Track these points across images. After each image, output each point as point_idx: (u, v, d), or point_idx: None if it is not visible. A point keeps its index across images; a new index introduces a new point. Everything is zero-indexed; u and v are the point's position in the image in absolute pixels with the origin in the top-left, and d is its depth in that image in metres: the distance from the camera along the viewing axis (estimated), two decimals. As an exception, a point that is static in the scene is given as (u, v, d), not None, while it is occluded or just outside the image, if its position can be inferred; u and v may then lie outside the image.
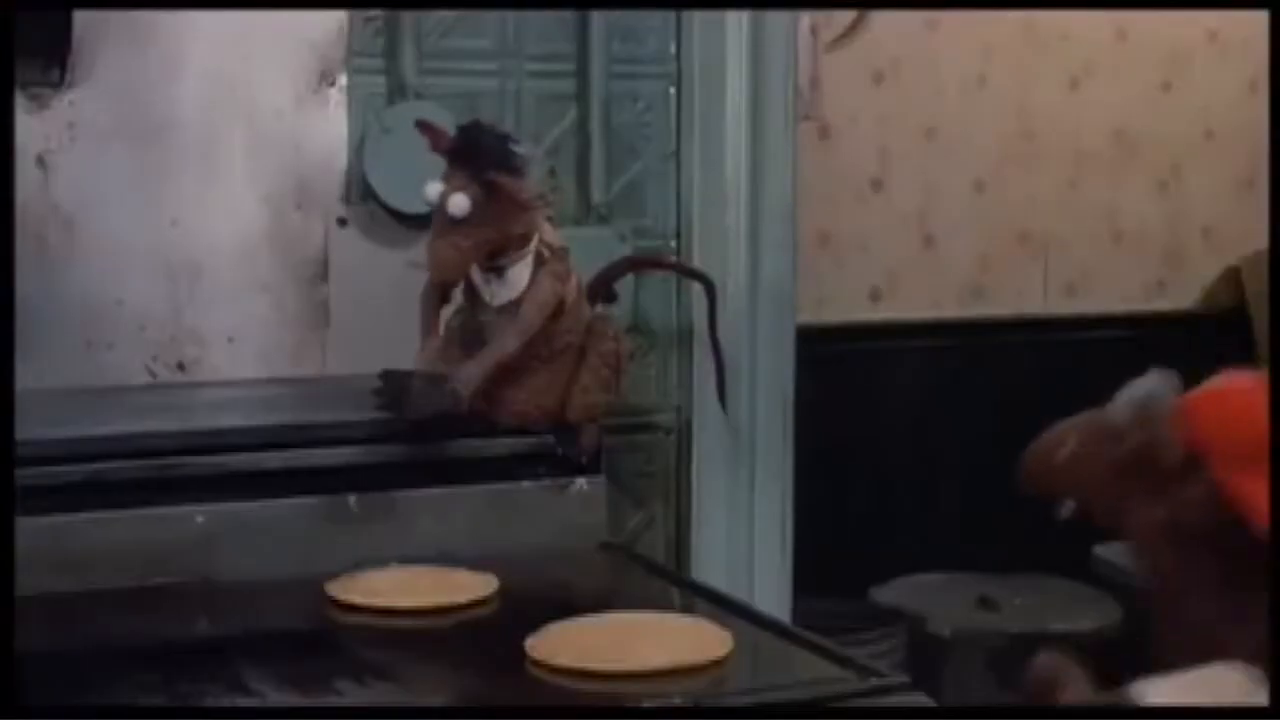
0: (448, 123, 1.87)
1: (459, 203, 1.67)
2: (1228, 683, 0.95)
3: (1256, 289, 3.69)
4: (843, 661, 1.39)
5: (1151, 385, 1.02)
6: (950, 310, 3.73)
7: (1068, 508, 1.13)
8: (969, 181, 3.73)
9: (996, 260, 3.77)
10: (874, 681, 1.32)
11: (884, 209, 3.66)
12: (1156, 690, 0.97)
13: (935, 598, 3.48)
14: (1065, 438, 1.08)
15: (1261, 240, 3.58)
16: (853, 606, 3.29)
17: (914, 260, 3.70)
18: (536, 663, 1.35)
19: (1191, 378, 3.63)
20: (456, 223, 1.69)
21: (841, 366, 3.55)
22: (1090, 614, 3.39)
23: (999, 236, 3.77)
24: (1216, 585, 0.96)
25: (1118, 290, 3.85)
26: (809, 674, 1.38)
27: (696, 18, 2.08)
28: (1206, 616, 0.97)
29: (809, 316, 3.49)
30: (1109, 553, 3.60)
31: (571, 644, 1.37)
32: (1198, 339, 3.70)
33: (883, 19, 3.57)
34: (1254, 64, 3.65)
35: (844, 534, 3.28)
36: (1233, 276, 3.78)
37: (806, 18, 3.49)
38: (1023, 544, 3.42)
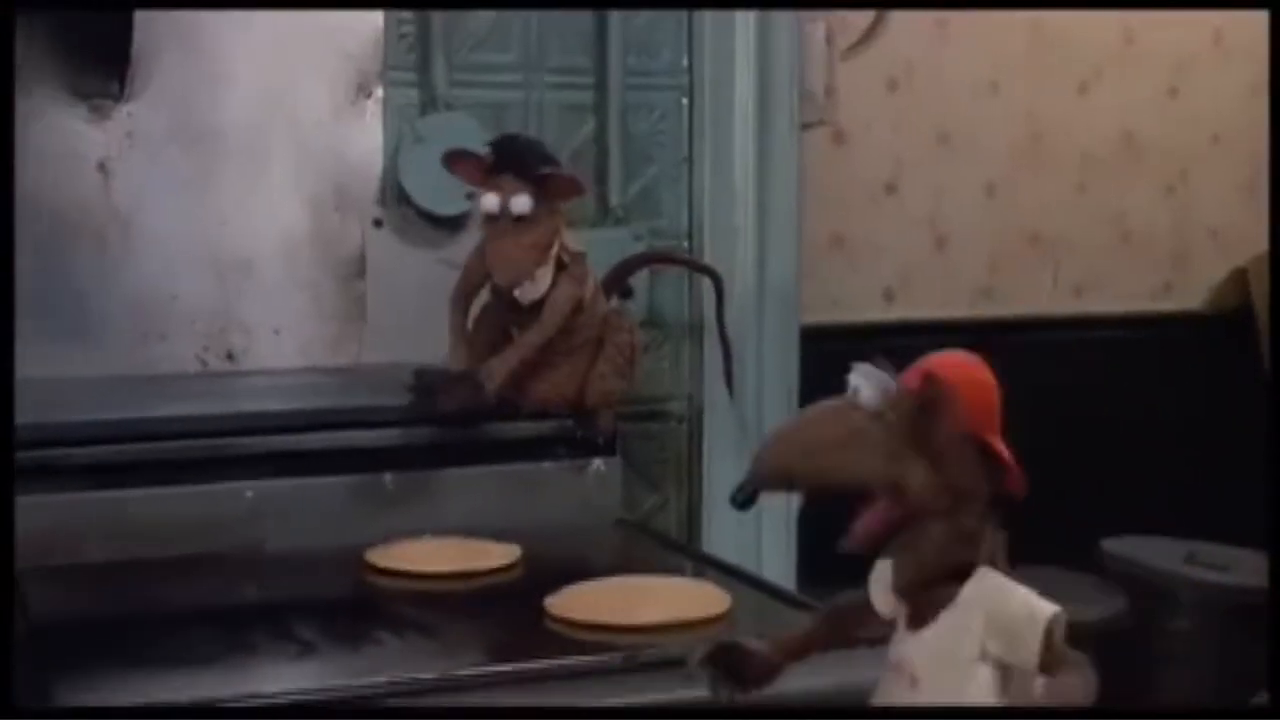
0: (476, 135, 2.03)
1: (522, 202, 1.81)
2: (994, 579, 1.13)
3: (1262, 290, 3.73)
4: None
5: (875, 372, 1.15)
6: (961, 310, 3.77)
7: (795, 500, 1.32)
8: (980, 185, 3.78)
9: (1006, 262, 3.83)
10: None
11: (897, 212, 3.72)
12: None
13: None
14: (816, 432, 1.17)
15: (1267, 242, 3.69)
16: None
17: (926, 262, 3.76)
18: (554, 618, 1.53)
19: (1199, 376, 3.68)
20: (517, 222, 1.83)
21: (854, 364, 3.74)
22: (1096, 604, 3.44)
23: (1009, 238, 3.82)
24: (980, 512, 1.13)
25: (1125, 291, 3.90)
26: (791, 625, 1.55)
27: (707, 33, 2.22)
28: (976, 539, 1.13)
29: (824, 316, 3.56)
30: (1117, 546, 3.71)
31: (585, 602, 1.55)
32: (1204, 339, 3.81)
33: (896, 28, 3.58)
34: (1259, 69, 3.70)
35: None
36: (1239, 278, 3.84)
37: (822, 26, 3.61)
38: (1031, 536, 3.64)
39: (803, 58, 3.39)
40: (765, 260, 2.27)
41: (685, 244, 2.32)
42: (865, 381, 1.14)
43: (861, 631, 1.23)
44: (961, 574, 1.13)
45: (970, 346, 3.73)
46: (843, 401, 1.14)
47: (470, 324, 1.97)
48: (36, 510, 1.76)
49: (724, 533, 2.19)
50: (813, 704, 1.35)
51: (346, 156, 2.17)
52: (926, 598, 1.14)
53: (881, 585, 1.18)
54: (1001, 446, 1.14)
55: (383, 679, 1.38)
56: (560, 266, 1.91)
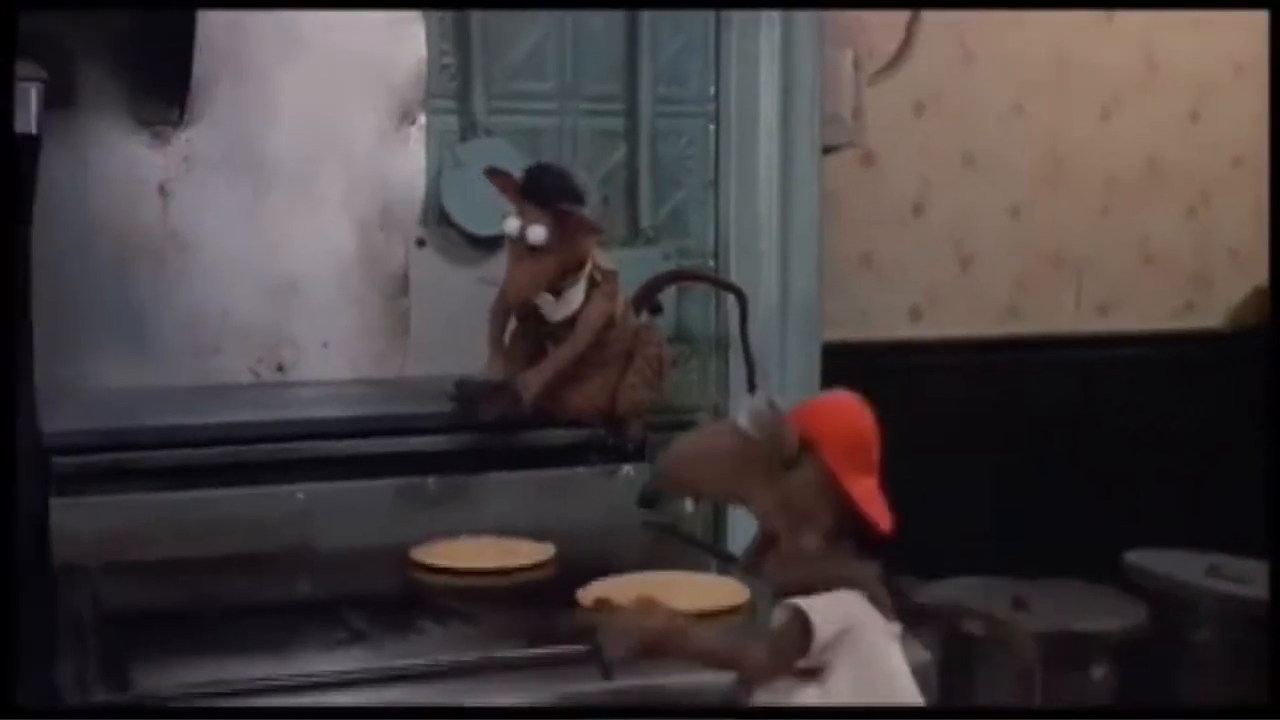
0: (513, 159, 2.15)
1: (537, 233, 1.94)
2: (852, 601, 1.30)
3: (1283, 308, 3.85)
4: None
5: (763, 402, 1.29)
6: (987, 329, 3.81)
7: (690, 502, 1.42)
8: (1005, 206, 3.82)
9: (1031, 281, 3.86)
10: None
11: (924, 232, 3.75)
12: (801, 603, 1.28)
13: (971, 598, 3.55)
14: (702, 445, 1.34)
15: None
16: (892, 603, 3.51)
17: (952, 281, 3.79)
18: (584, 609, 1.66)
19: (1220, 392, 3.74)
20: (534, 250, 1.96)
21: (882, 381, 3.70)
22: (1117, 615, 3.47)
23: (1033, 259, 3.85)
24: (820, 537, 1.29)
25: (1148, 310, 3.93)
26: None
27: (733, 63, 2.35)
28: (812, 558, 1.30)
29: (852, 333, 3.62)
30: (1140, 559, 3.74)
31: (614, 594, 1.67)
32: (1225, 357, 3.84)
33: (922, 54, 3.67)
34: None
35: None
36: (1259, 297, 3.86)
37: (850, 52, 3.71)
38: (1056, 550, 3.59)
39: (831, 83, 3.51)
40: (788, 278, 2.40)
41: (711, 263, 2.44)
42: (746, 409, 1.30)
43: None
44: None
45: (995, 364, 3.73)
46: (733, 424, 1.30)
47: (508, 338, 2.09)
48: (106, 510, 1.92)
49: (747, 535, 2.28)
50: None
51: (391, 180, 2.28)
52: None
53: None
54: (859, 488, 1.29)
55: (423, 661, 1.51)
56: (593, 284, 2.04)
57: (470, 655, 1.52)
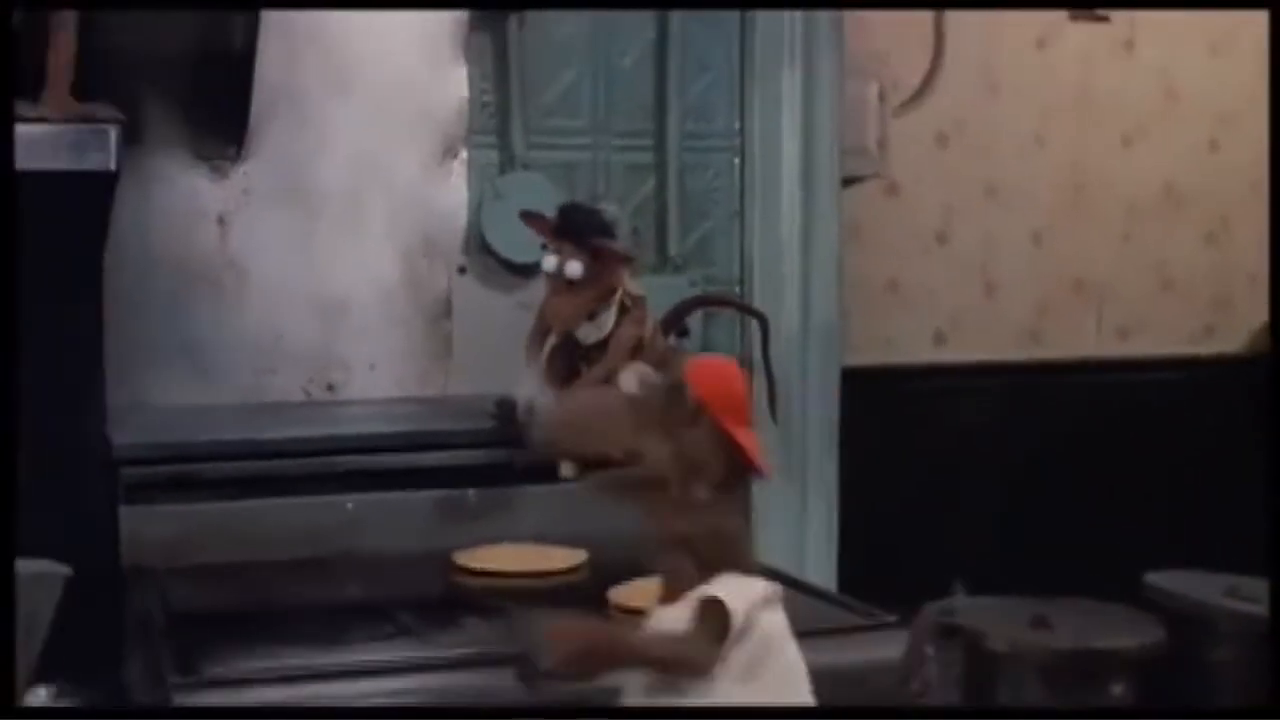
0: (549, 192, 2.31)
1: (574, 268, 2.07)
2: (751, 584, 1.38)
3: (1300, 331, 3.91)
4: (850, 608, 1.83)
5: (648, 370, 1.42)
6: (1009, 353, 3.82)
7: (571, 466, 1.51)
8: (1027, 234, 3.85)
9: (1053, 307, 3.88)
10: (870, 619, 1.77)
11: (947, 259, 3.79)
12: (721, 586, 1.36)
13: (993, 617, 3.51)
14: (591, 409, 1.43)
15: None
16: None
17: (976, 306, 3.82)
18: (615, 607, 1.80)
19: (1239, 415, 3.81)
20: (571, 284, 2.10)
21: (908, 404, 3.70)
22: (1135, 633, 3.43)
23: (1055, 284, 3.88)
24: (709, 488, 1.36)
25: (1168, 335, 3.95)
26: (822, 615, 1.81)
27: (756, 101, 2.48)
28: (699, 507, 1.37)
29: (879, 358, 3.68)
30: (1160, 579, 3.85)
31: (642, 593, 1.82)
32: (1244, 380, 3.83)
33: (945, 86, 3.72)
34: (1297, 122, 3.84)
35: (906, 556, 3.43)
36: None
37: (875, 85, 3.80)
38: (1077, 570, 3.58)
39: (856, 115, 3.62)
40: (809, 304, 2.53)
41: (736, 289, 2.56)
42: (633, 376, 1.41)
43: None
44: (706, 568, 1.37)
45: (1018, 388, 3.78)
46: (608, 388, 1.41)
47: (544, 359, 2.21)
48: (171, 518, 2.07)
49: (772, 546, 2.43)
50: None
51: (434, 211, 2.42)
52: (676, 579, 1.39)
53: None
54: (746, 439, 1.36)
55: (465, 651, 1.66)
56: (623, 309, 2.18)
57: (508, 648, 1.67)
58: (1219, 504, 3.83)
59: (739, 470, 1.38)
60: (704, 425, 1.36)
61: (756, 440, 1.37)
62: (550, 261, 2.09)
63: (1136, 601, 3.61)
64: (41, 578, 1.53)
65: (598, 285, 2.11)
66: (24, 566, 1.53)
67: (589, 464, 1.42)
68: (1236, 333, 3.99)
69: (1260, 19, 3.30)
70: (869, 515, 3.06)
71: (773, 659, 1.38)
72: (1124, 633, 3.51)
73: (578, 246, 2.09)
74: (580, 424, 1.44)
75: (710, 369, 1.39)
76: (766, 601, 1.38)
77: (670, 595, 1.39)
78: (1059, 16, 3.86)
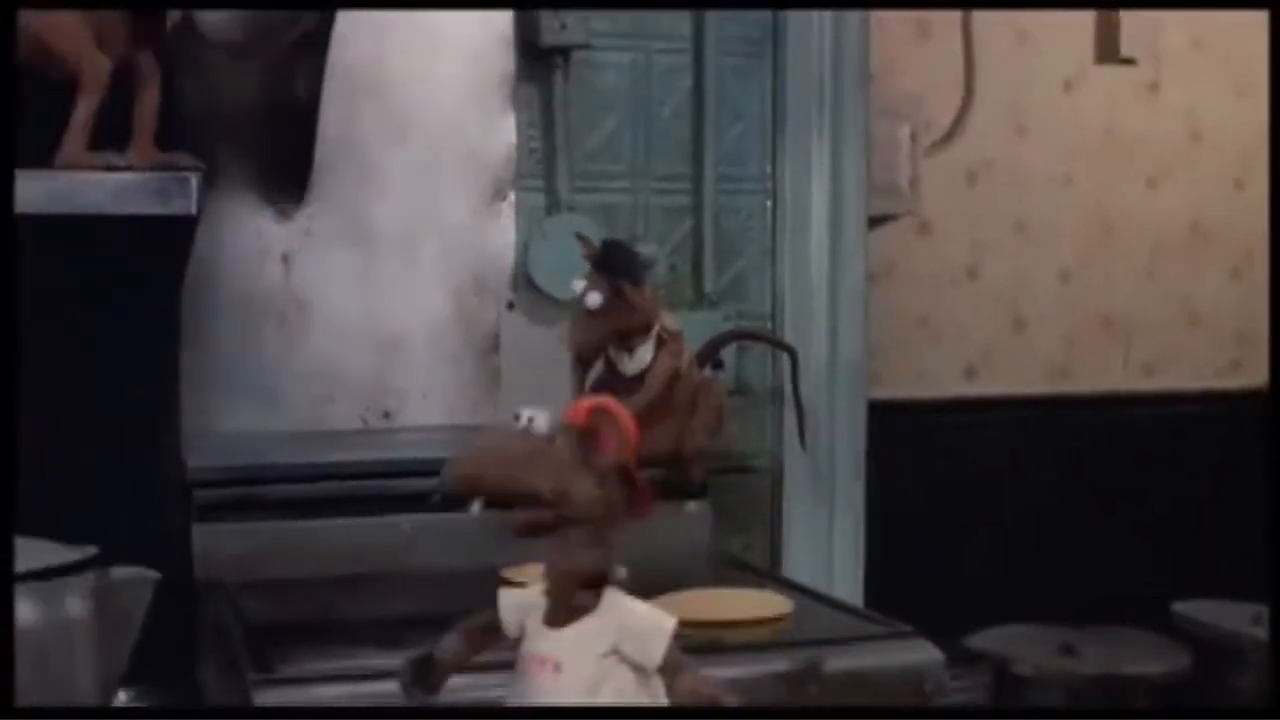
0: (593, 232, 2.44)
1: (594, 299, 2.17)
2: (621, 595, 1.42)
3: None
4: (874, 620, 1.99)
5: (547, 412, 1.41)
6: (1038, 387, 3.98)
7: (479, 504, 1.47)
8: (1055, 271, 4.00)
9: (1081, 342, 4.03)
10: (892, 628, 1.92)
11: (977, 295, 3.95)
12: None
13: (1021, 644, 3.71)
14: (500, 450, 1.42)
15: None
16: (945, 647, 3.69)
17: (1005, 341, 3.98)
18: None
19: (1264, 448, 3.96)
20: (592, 313, 2.21)
21: (939, 437, 3.86)
22: (1162, 660, 3.66)
23: (1083, 320, 4.03)
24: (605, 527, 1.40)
25: (1194, 369, 4.10)
26: (844, 626, 1.97)
27: (787, 146, 2.59)
28: (592, 545, 1.41)
29: (911, 391, 3.81)
30: (1187, 608, 3.82)
31: (676, 604, 1.98)
32: (1270, 414, 3.93)
33: (975, 127, 3.89)
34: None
35: (937, 585, 3.57)
36: None
37: (907, 126, 3.90)
38: (1105, 599, 3.75)
39: (889, 155, 3.78)
40: (837, 339, 2.63)
41: (768, 324, 2.65)
42: (539, 415, 1.42)
43: (488, 650, 1.52)
44: (594, 584, 1.42)
45: (1047, 421, 3.92)
46: (518, 430, 1.42)
47: (587, 390, 2.31)
48: (240, 536, 2.22)
49: (800, 565, 2.57)
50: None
51: (484, 250, 2.48)
52: (569, 600, 1.42)
53: (511, 609, 1.49)
54: (640, 478, 1.41)
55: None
56: (660, 343, 2.30)
57: None
58: (1245, 534, 3.83)
59: (628, 510, 1.43)
60: (606, 465, 1.40)
61: (647, 480, 1.43)
62: (578, 286, 2.18)
63: (1164, 630, 3.79)
64: (134, 581, 1.69)
65: (613, 321, 2.21)
66: (117, 572, 1.71)
67: (498, 503, 1.45)
68: (1262, 367, 3.98)
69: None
70: (900, 541, 3.17)
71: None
72: (1151, 659, 3.71)
73: (605, 281, 2.19)
74: (504, 464, 1.43)
75: (612, 410, 1.42)
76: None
77: (559, 620, 1.44)
78: (1086, 60, 4.01)
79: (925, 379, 3.93)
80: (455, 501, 1.48)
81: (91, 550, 1.69)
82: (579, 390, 2.34)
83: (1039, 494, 3.97)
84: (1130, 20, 4.01)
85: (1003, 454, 3.95)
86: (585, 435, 1.39)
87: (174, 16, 2.03)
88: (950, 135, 3.93)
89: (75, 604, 1.65)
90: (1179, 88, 4.10)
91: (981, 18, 3.91)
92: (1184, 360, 4.15)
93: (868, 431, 2.73)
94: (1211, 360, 4.16)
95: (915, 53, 3.86)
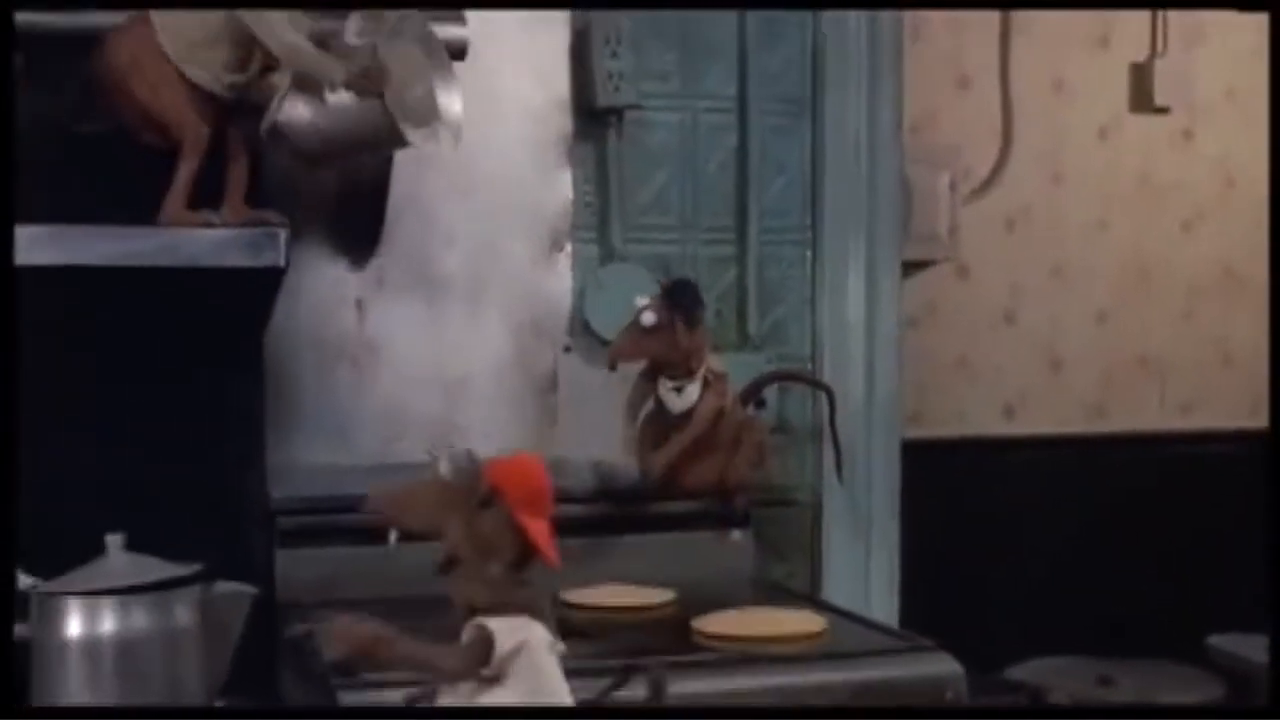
0: (645, 280, 2.60)
1: (648, 317, 2.42)
2: (528, 623, 1.55)
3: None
4: (900, 636, 2.20)
5: (462, 454, 1.55)
6: (1076, 427, 4.16)
7: (395, 534, 1.64)
8: (1092, 313, 4.18)
9: (1117, 382, 4.20)
10: (916, 643, 2.13)
11: (1016, 337, 4.12)
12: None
13: (1058, 675, 3.87)
14: (409, 487, 1.59)
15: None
16: (983, 678, 3.81)
17: (1043, 382, 4.15)
18: (698, 632, 2.18)
19: None
20: (643, 329, 2.44)
21: (979, 474, 4.02)
22: (1196, 691, 3.83)
23: (1119, 361, 4.20)
24: (502, 567, 1.53)
25: (1228, 409, 4.25)
26: (872, 641, 2.18)
27: (827, 199, 2.76)
28: (493, 582, 1.54)
29: (951, 430, 3.97)
30: (1222, 642, 4.01)
31: (720, 622, 2.21)
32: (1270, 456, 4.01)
33: (1013, 175, 4.05)
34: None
35: (976, 617, 3.67)
36: None
37: (946, 176, 4.07)
38: (1142, 634, 3.91)
39: (929, 203, 3.96)
40: (873, 380, 2.81)
41: (808, 366, 2.80)
42: (443, 458, 1.58)
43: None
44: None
45: (1084, 459, 4.05)
46: (435, 471, 1.59)
47: (639, 426, 2.57)
48: (318, 560, 2.44)
49: (839, 596, 2.74)
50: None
51: (543, 297, 2.63)
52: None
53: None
54: (534, 527, 1.54)
55: (571, 664, 2.03)
56: (706, 383, 2.50)
57: (612, 660, 2.06)
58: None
59: (530, 554, 1.57)
60: (497, 513, 1.54)
61: (548, 531, 1.55)
62: (640, 302, 2.41)
63: (1198, 663, 3.95)
64: (233, 595, 1.93)
65: (654, 346, 2.44)
66: (219, 587, 1.94)
67: (410, 536, 1.63)
68: (1296, 405, 4.24)
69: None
70: (940, 574, 3.34)
71: (543, 694, 1.56)
72: (1186, 690, 3.87)
73: (664, 309, 2.42)
74: (399, 501, 1.62)
75: (510, 464, 1.56)
76: (541, 641, 1.56)
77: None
78: (1121, 109, 4.18)
79: (965, 418, 4.08)
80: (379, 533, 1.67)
81: (196, 567, 1.92)
82: (629, 427, 2.57)
83: (1076, 529, 4.11)
84: (1164, 70, 4.18)
85: (1040, 491, 4.10)
86: (475, 481, 1.55)
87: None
88: (989, 183, 4.10)
89: (183, 614, 1.88)
90: (1212, 135, 4.26)
91: (1019, 69, 4.09)
92: (1218, 400, 4.29)
93: (910, 469, 2.89)
94: (1245, 400, 4.27)
95: (954, 104, 4.04)
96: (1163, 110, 4.19)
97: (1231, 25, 4.15)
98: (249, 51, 2.11)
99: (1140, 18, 4.19)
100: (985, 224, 4.07)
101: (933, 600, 2.82)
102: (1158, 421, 4.26)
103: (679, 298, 2.46)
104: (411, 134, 2.20)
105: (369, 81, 2.15)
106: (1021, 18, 4.08)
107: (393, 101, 2.17)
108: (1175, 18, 4.18)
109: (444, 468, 1.59)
